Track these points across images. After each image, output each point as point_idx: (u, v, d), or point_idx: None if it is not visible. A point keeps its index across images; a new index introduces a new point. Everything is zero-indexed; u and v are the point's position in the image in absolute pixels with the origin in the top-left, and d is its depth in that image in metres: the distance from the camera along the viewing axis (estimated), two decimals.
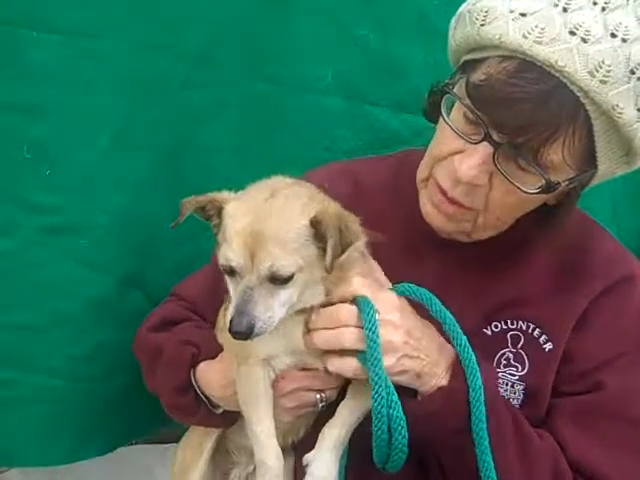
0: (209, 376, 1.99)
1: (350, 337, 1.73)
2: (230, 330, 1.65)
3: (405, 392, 1.78)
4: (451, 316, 1.80)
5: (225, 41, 2.38)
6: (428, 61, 2.42)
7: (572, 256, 1.95)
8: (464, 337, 1.79)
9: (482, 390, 1.74)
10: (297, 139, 2.52)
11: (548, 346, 1.90)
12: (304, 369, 1.84)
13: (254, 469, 2.01)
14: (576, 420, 1.87)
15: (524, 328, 1.92)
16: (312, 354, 1.81)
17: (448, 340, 1.82)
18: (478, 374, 1.75)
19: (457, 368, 1.79)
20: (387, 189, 2.08)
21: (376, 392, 1.69)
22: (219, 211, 1.77)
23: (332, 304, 1.78)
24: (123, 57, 2.29)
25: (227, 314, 1.69)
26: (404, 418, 1.71)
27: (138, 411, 2.52)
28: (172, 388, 2.02)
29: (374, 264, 1.87)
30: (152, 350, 2.10)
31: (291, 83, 2.48)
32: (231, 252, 1.68)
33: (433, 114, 1.90)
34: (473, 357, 1.77)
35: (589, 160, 1.75)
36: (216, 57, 2.39)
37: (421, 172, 1.93)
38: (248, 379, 1.84)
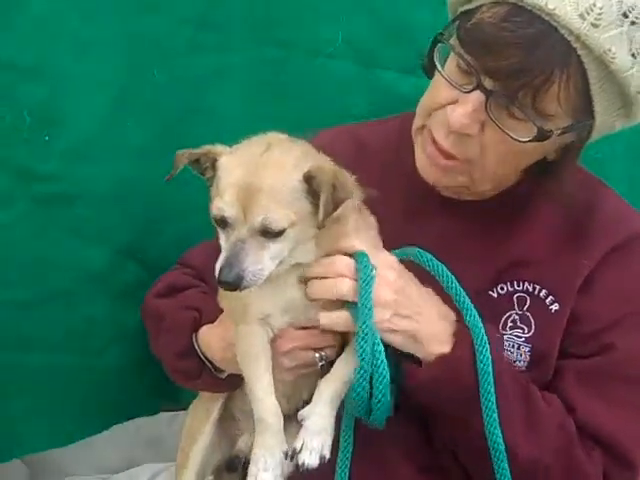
0: (210, 339, 2.00)
1: (344, 287, 1.74)
2: (218, 280, 1.67)
3: (409, 360, 1.81)
4: (457, 282, 1.80)
5: (228, 3, 2.36)
6: (437, 24, 2.31)
7: (577, 216, 1.93)
8: (470, 303, 1.79)
9: (490, 360, 1.73)
10: (306, 104, 2.48)
11: (554, 307, 1.89)
12: (302, 328, 1.85)
13: None
14: (584, 382, 1.86)
15: (530, 289, 1.90)
16: (307, 312, 1.82)
17: (453, 307, 1.82)
18: (486, 343, 1.75)
19: (462, 335, 1.79)
20: (390, 149, 2.08)
21: (361, 339, 1.70)
22: (213, 164, 1.78)
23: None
24: (124, 16, 2.23)
25: (216, 265, 1.70)
26: (387, 369, 1.72)
27: (139, 383, 2.51)
28: (174, 353, 2.04)
29: (373, 221, 1.88)
30: (155, 316, 2.13)
31: (301, 47, 2.46)
32: (223, 203, 1.68)
33: (430, 69, 1.88)
34: (480, 324, 1.77)
35: (585, 110, 1.73)
36: (219, 20, 2.37)
37: (416, 122, 1.92)
38: (246, 338, 1.85)
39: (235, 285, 1.65)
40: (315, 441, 1.77)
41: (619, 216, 1.97)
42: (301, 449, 1.77)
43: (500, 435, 1.73)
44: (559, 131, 1.74)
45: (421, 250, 1.83)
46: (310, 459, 1.76)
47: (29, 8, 2.12)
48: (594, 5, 1.63)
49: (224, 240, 1.72)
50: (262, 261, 1.67)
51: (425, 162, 1.90)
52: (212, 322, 2.02)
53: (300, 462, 1.76)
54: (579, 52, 1.65)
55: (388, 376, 1.73)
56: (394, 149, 2.07)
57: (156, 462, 2.77)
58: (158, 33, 2.28)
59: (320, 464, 1.76)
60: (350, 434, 1.87)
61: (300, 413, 1.81)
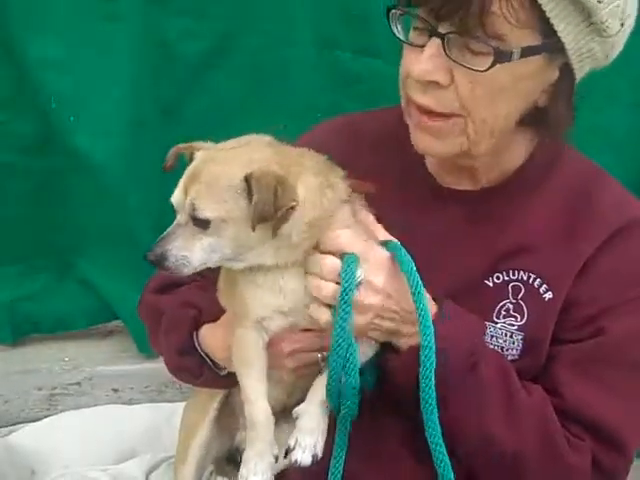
0: (211, 339, 1.97)
1: (324, 290, 1.73)
2: (143, 254, 1.70)
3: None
4: (416, 273, 1.80)
5: None
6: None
7: (576, 203, 1.88)
8: (423, 295, 1.79)
9: (433, 350, 1.76)
10: (283, 84, 2.89)
11: (548, 295, 1.85)
12: (304, 330, 1.84)
13: None
14: (576, 366, 1.82)
15: (525, 278, 1.87)
16: (304, 315, 1.81)
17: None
18: (431, 333, 1.77)
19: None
20: (391, 139, 2.00)
21: (335, 347, 1.70)
22: (191, 159, 1.82)
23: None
24: (133, 16, 2.75)
25: None
26: (357, 376, 1.74)
27: None
28: (174, 350, 2.02)
29: (370, 218, 1.83)
30: (154, 312, 2.11)
31: (281, 36, 2.86)
32: (175, 190, 1.74)
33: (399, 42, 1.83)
34: (428, 315, 1.79)
35: (543, 27, 1.64)
36: (211, 11, 2.83)
37: (402, 98, 1.87)
38: (241, 342, 1.84)
39: (155, 263, 1.67)
40: (308, 439, 1.77)
41: (619, 202, 1.90)
42: (294, 447, 1.76)
43: (438, 427, 1.77)
44: (518, 50, 1.64)
45: (398, 245, 1.78)
46: (303, 457, 1.75)
47: (57, 12, 2.70)
48: None
49: None
50: (190, 249, 1.67)
51: (416, 131, 1.83)
52: (212, 320, 1.97)
53: (293, 459, 1.76)
54: None
55: (357, 383, 1.73)
56: (394, 139, 1.97)
57: (155, 454, 2.72)
58: (158, 25, 2.78)
59: (313, 462, 1.76)
60: (345, 432, 1.84)
61: (294, 411, 1.80)
